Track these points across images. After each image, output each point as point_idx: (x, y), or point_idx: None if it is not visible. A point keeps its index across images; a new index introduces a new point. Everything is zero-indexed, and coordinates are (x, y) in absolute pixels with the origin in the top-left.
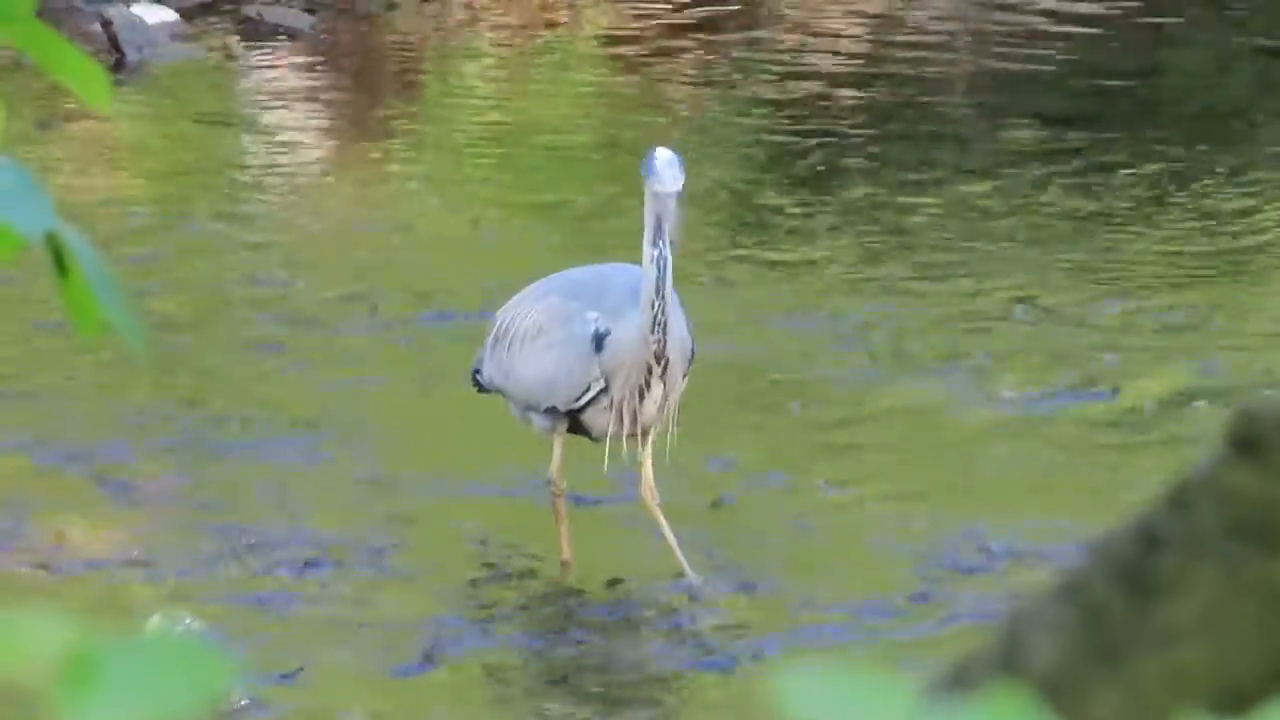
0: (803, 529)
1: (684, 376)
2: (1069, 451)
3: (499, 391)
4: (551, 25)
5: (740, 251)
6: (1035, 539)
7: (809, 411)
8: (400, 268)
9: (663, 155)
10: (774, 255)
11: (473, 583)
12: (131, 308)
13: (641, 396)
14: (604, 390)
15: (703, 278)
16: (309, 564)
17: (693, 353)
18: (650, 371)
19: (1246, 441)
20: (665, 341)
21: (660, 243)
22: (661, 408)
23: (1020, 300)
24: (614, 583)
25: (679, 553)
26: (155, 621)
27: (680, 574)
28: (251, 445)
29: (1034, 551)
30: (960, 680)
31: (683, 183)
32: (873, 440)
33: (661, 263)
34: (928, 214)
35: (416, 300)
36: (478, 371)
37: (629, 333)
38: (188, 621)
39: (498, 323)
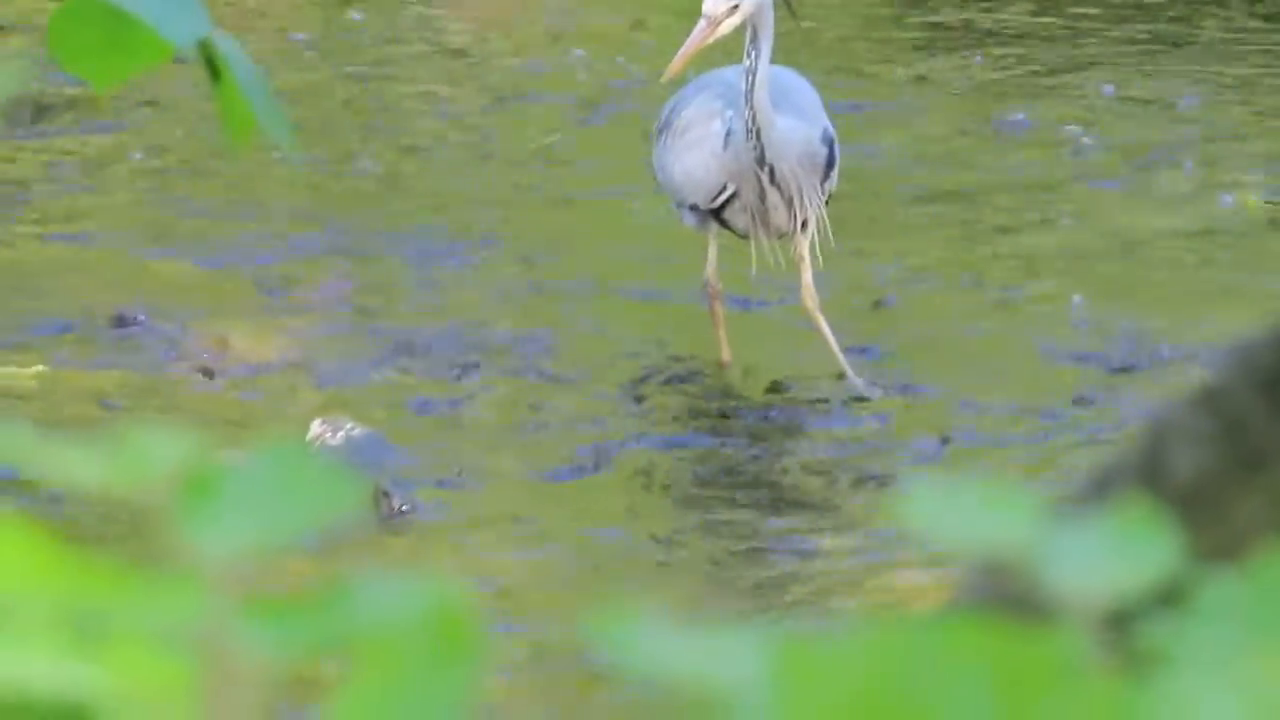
0: (965, 331)
1: (824, 183)
2: (1251, 255)
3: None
4: None
5: (910, 56)
6: (1208, 341)
7: (977, 213)
8: (558, 70)
9: None
10: (928, 58)
11: (632, 386)
12: (282, 111)
13: (762, 200)
14: (736, 194)
15: (859, 80)
16: (468, 368)
17: (830, 159)
18: (759, 177)
19: None
20: (763, 149)
21: (753, 52)
22: (790, 213)
23: (1178, 109)
24: (774, 385)
25: (840, 355)
26: (316, 427)
27: (841, 375)
28: (411, 249)
29: (1205, 355)
30: (1099, 491)
31: None
32: (1040, 242)
33: (750, 73)
34: (1103, 19)
35: (577, 103)
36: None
37: (740, 135)
38: (348, 427)
39: (660, 116)
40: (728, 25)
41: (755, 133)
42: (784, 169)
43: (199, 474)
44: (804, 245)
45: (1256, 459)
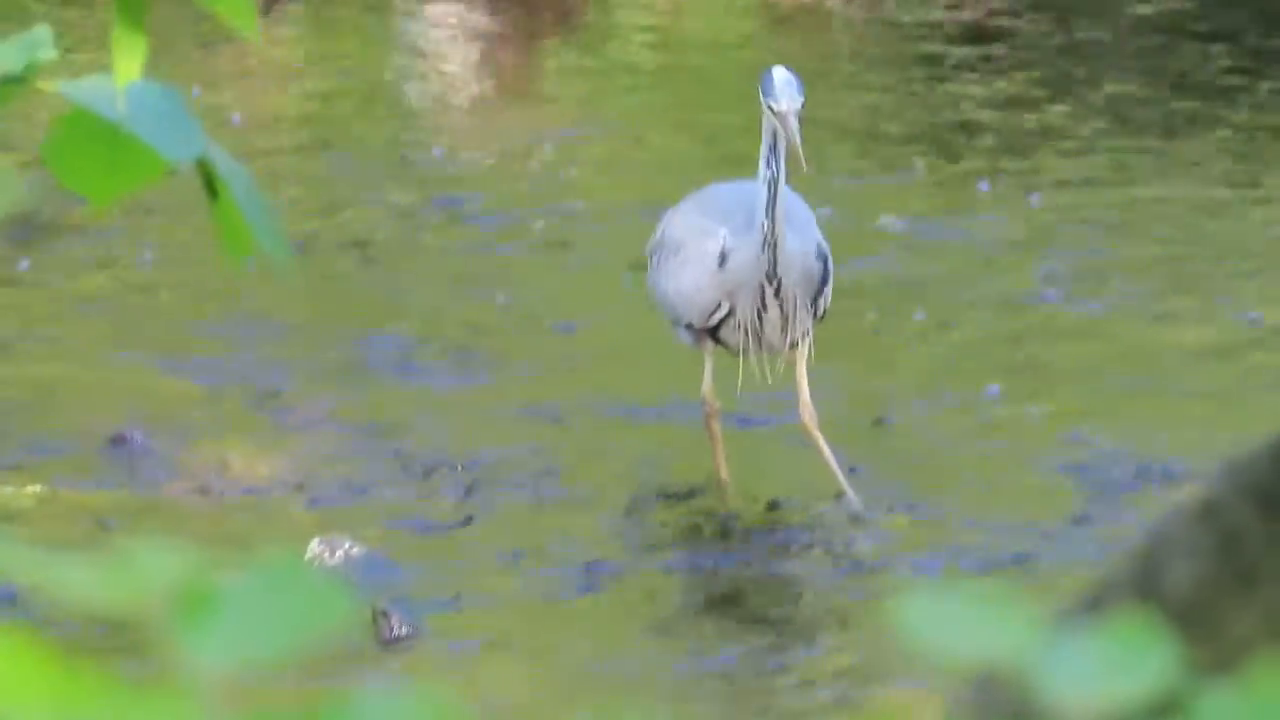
0: (966, 449)
1: (817, 298)
2: (1246, 372)
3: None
4: None
5: (892, 169)
6: (1207, 460)
7: (975, 329)
8: (561, 187)
9: (780, 73)
10: (927, 171)
11: (631, 505)
12: (280, 230)
13: (760, 317)
14: (731, 311)
15: (860, 194)
16: (468, 488)
17: (824, 276)
18: (765, 292)
19: None
20: (775, 261)
21: (774, 162)
22: (785, 329)
23: (1188, 215)
24: (773, 504)
25: (839, 473)
26: (314, 546)
27: (840, 494)
28: (410, 368)
29: (1201, 472)
30: (1096, 604)
31: (801, 102)
32: (1040, 358)
33: (771, 184)
34: (1094, 127)
35: (578, 219)
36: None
37: (746, 251)
38: (346, 546)
39: (654, 236)
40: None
41: (772, 245)
42: (788, 283)
43: (196, 589)
44: (800, 362)
45: (1253, 573)
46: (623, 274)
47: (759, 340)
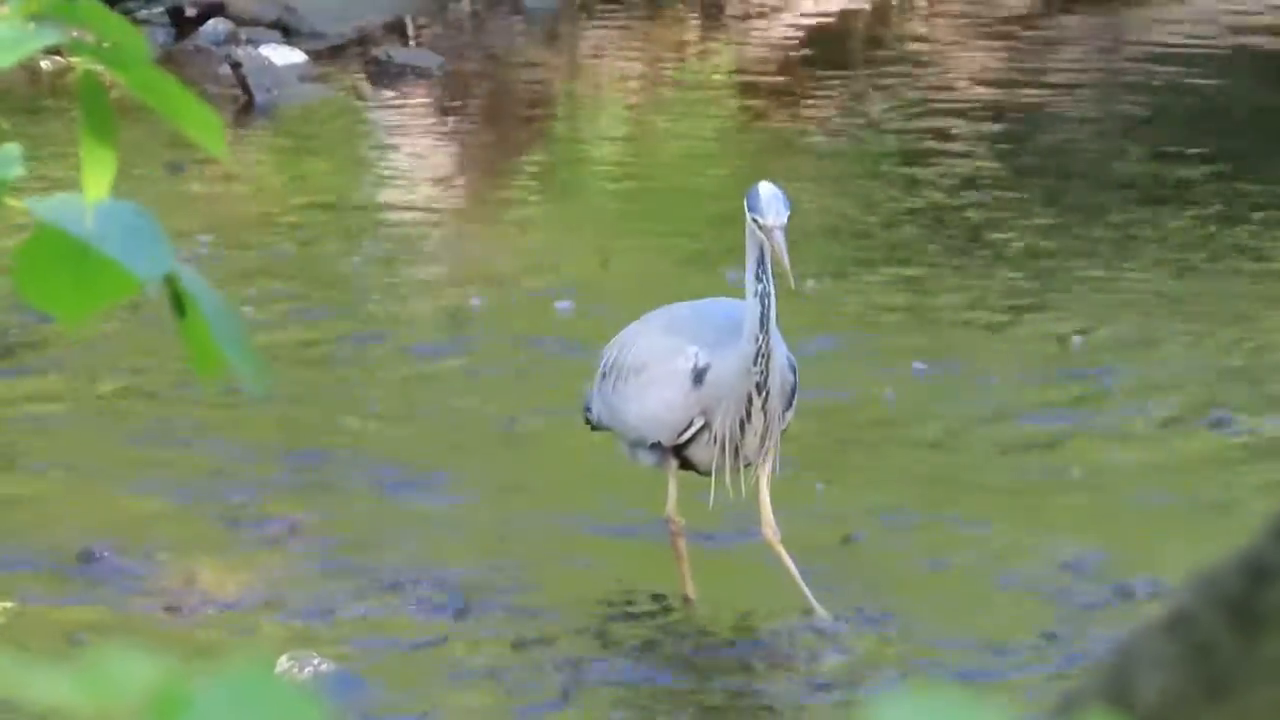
0: (933, 566)
1: (787, 411)
2: (1207, 487)
3: (606, 429)
4: (678, 64)
5: (863, 290)
6: (1170, 575)
7: (941, 449)
8: (528, 306)
9: (766, 189)
10: (898, 291)
11: (600, 622)
12: (251, 348)
13: (743, 429)
14: (705, 426)
15: (830, 312)
16: (439, 604)
17: (794, 388)
18: (751, 403)
19: None
20: (768, 373)
21: (764, 276)
22: (763, 441)
23: (1150, 336)
24: (740, 620)
25: (804, 588)
26: (283, 662)
27: (807, 610)
28: (382, 485)
29: (1169, 589)
30: (1065, 714)
31: (787, 217)
32: (1003, 476)
33: (765, 298)
34: (1068, 252)
35: (548, 338)
36: (588, 409)
37: (729, 365)
38: (316, 662)
39: (603, 360)
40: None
41: (765, 357)
42: (773, 394)
43: (169, 696)
44: (763, 478)
45: (1222, 683)
46: (576, 397)
47: (736, 453)
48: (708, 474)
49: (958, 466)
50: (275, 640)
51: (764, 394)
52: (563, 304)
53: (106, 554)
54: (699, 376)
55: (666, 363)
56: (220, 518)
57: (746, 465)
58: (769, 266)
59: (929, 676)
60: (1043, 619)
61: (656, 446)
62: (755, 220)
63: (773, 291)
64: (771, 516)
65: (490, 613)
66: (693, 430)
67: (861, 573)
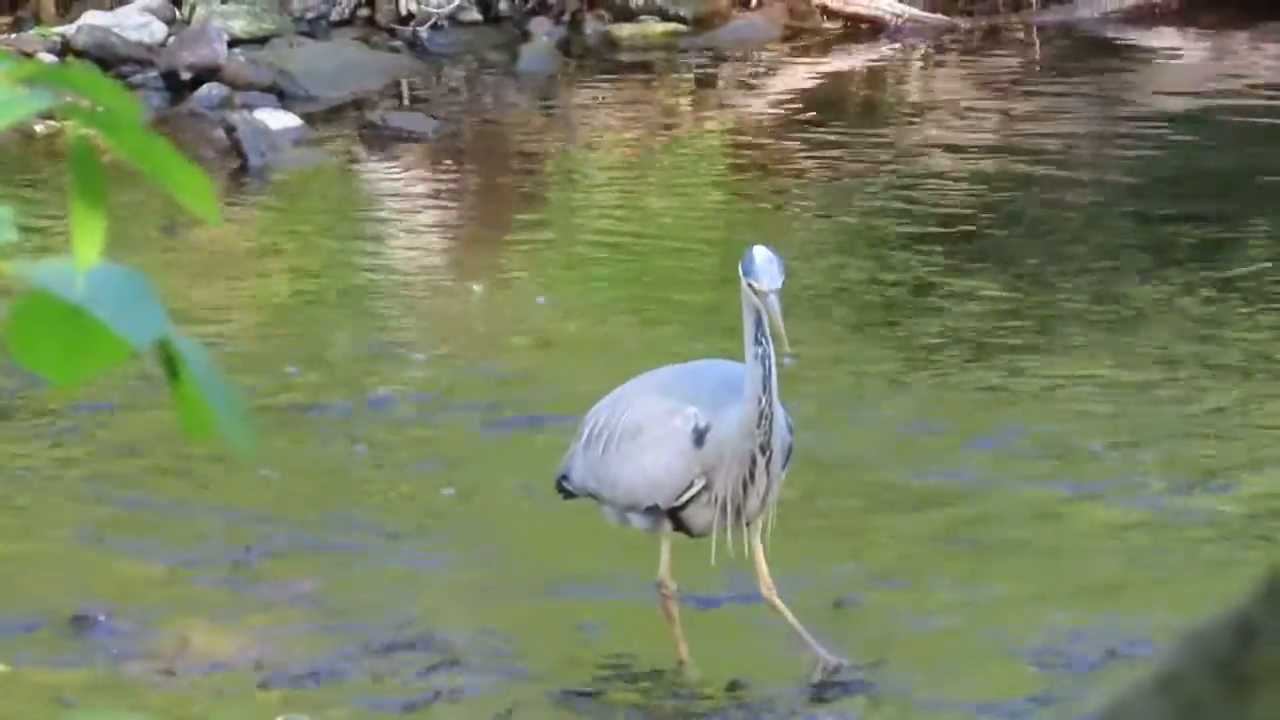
0: (924, 628)
1: (784, 468)
2: (1197, 549)
3: (591, 496)
4: (673, 129)
5: (857, 353)
6: (1163, 638)
7: (931, 511)
8: (522, 372)
9: (761, 253)
10: (891, 355)
11: (593, 685)
12: (241, 412)
13: (745, 489)
14: (706, 487)
15: (820, 378)
16: (431, 667)
17: (791, 446)
18: (755, 463)
19: None
20: (770, 434)
21: (763, 339)
22: (763, 500)
23: (1140, 397)
24: (732, 683)
25: (808, 637)
26: None
27: (814, 662)
28: (374, 549)
29: (1159, 650)
30: None
31: (782, 281)
32: (995, 540)
33: (766, 360)
34: (1052, 318)
35: (540, 404)
36: (564, 478)
37: (731, 426)
38: None
39: (588, 425)
40: None
41: (769, 419)
42: (775, 454)
43: None
44: (758, 538)
45: None
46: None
47: (738, 513)
48: (701, 535)
49: (948, 529)
50: (268, 703)
51: (768, 454)
52: (552, 368)
53: (100, 617)
54: (700, 437)
55: (664, 424)
56: (213, 581)
57: (749, 523)
58: (767, 329)
59: None
60: (1034, 681)
61: (652, 510)
62: (751, 285)
63: (772, 354)
64: (768, 576)
65: (482, 675)
66: (693, 491)
67: (853, 636)
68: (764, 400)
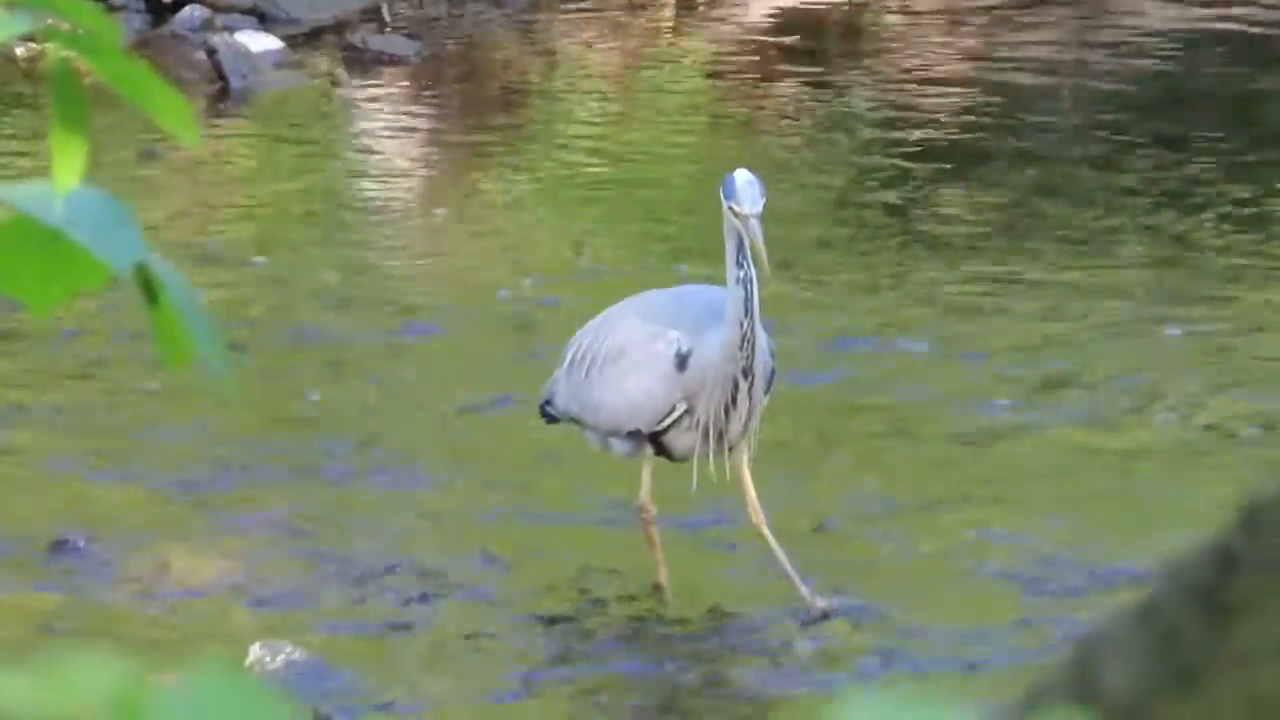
0: (907, 554)
1: (765, 394)
2: (1189, 475)
3: (574, 420)
4: (655, 50)
5: (838, 276)
6: (1144, 562)
7: (912, 436)
8: (502, 296)
9: (742, 176)
10: (872, 278)
11: (571, 609)
12: (219, 338)
13: (728, 413)
14: (687, 412)
15: (801, 301)
16: (409, 592)
17: (773, 371)
18: (737, 387)
19: None
20: (753, 358)
21: (744, 262)
22: (745, 424)
23: (1119, 323)
24: (712, 608)
25: (793, 573)
26: (255, 650)
27: (799, 595)
28: (351, 474)
29: (1143, 576)
30: (1032, 706)
31: (763, 204)
32: (979, 465)
33: (747, 283)
34: (1039, 240)
35: (518, 329)
36: (548, 403)
37: (713, 350)
38: (287, 650)
39: (570, 350)
40: None
41: (751, 342)
42: (757, 379)
43: (131, 697)
44: (744, 464)
45: (1190, 672)
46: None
47: (720, 437)
48: (683, 460)
49: (929, 453)
50: (247, 628)
51: (750, 379)
52: (532, 294)
53: (80, 541)
54: (682, 362)
55: (646, 348)
56: (192, 505)
57: (732, 446)
58: (748, 252)
59: (901, 665)
60: (1017, 607)
61: (634, 435)
62: (731, 208)
63: (754, 277)
64: (757, 502)
65: (460, 600)
66: (674, 416)
67: (834, 561)
68: (746, 324)
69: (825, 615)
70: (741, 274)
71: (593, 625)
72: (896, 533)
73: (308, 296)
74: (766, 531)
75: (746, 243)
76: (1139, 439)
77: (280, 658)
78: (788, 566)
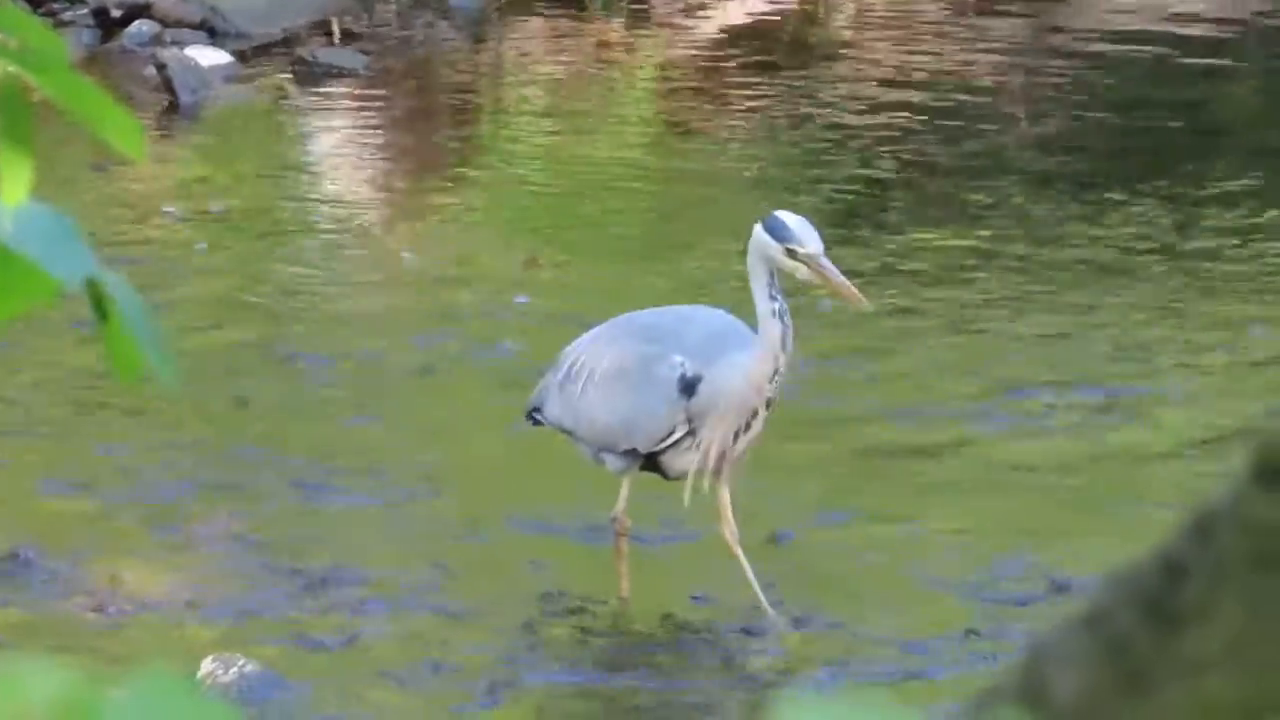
0: (859, 564)
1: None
2: (1137, 485)
3: (566, 432)
4: (606, 62)
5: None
6: (1096, 571)
7: (865, 447)
8: (455, 308)
9: (791, 218)
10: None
11: (530, 621)
12: (169, 351)
13: (737, 437)
14: (689, 433)
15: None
16: (364, 604)
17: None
18: (755, 415)
19: (1269, 472)
20: (777, 386)
21: (777, 296)
22: (746, 446)
23: (1068, 329)
24: (670, 619)
25: (760, 592)
26: (208, 664)
27: (760, 612)
28: (306, 486)
29: (1091, 585)
30: (978, 712)
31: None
32: (929, 474)
33: (784, 315)
34: (981, 251)
35: (472, 340)
36: (537, 410)
37: (734, 379)
38: (241, 663)
39: (565, 362)
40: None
41: (782, 375)
42: (773, 406)
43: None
44: (727, 481)
45: (1138, 680)
46: (500, 397)
47: (722, 459)
48: (676, 479)
49: (880, 464)
50: (200, 641)
51: (770, 406)
52: (485, 305)
53: (31, 555)
54: (688, 387)
55: (649, 369)
56: (143, 519)
57: (734, 465)
58: (779, 286)
59: (853, 675)
60: (966, 616)
61: (630, 452)
62: (793, 250)
63: (787, 310)
64: (732, 519)
65: (416, 612)
66: (675, 438)
67: (788, 572)
68: (781, 358)
69: (782, 629)
70: (776, 306)
71: (549, 637)
72: (848, 544)
73: (254, 309)
74: (739, 551)
75: (777, 277)
76: (1087, 448)
77: (233, 671)
78: (755, 583)
